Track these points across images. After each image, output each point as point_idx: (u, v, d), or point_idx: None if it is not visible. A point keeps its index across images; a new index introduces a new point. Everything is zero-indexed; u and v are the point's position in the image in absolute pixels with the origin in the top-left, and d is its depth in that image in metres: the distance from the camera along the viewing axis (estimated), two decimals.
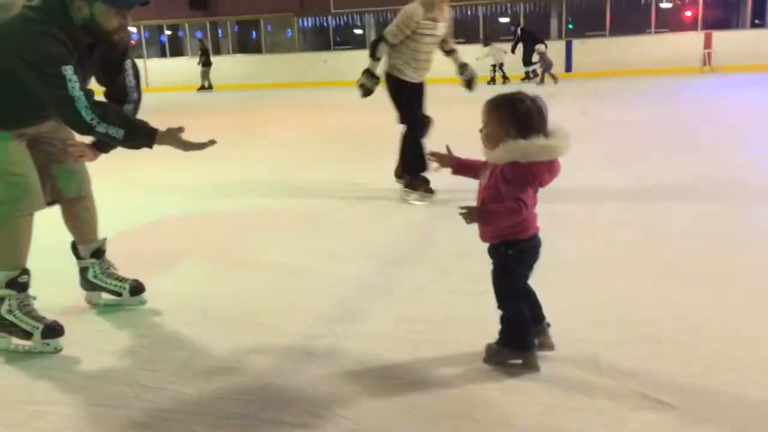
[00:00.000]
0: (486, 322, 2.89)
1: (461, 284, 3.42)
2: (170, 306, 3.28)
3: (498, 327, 2.53)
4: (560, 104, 12.60)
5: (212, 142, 2.72)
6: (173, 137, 2.72)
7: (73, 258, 3.29)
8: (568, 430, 2.10)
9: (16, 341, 2.83)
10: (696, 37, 19.99)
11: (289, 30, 24.46)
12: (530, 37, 18.37)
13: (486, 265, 3.69)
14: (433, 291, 3.36)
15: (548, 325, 2.59)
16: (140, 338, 2.96)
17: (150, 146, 2.73)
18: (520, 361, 2.46)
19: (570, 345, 2.63)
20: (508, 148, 2.26)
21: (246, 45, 24.98)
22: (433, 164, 2.73)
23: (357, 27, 22.89)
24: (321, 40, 24.29)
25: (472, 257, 3.78)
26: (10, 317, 2.78)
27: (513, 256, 2.42)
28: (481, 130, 2.38)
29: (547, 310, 2.64)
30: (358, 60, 20.46)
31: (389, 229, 4.59)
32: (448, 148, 2.66)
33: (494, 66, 18.61)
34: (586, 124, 9.47)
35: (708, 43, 19.64)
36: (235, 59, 22.71)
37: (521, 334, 2.48)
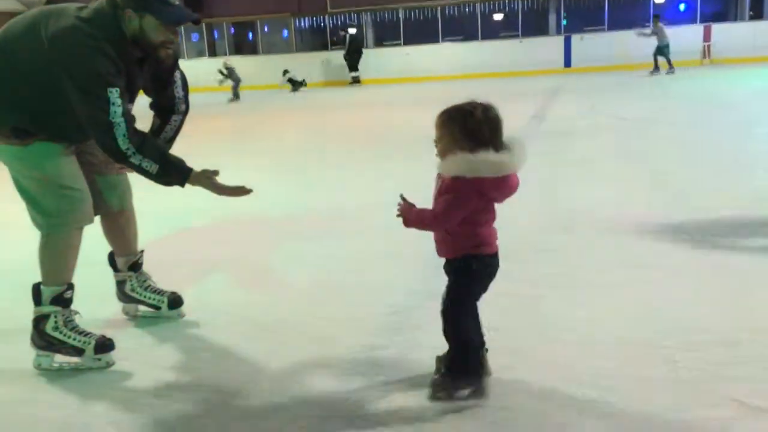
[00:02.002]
0: (548, 328, 2.86)
1: (512, 288, 3.33)
2: (209, 317, 3.21)
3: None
4: (566, 100, 12.57)
5: (249, 191, 2.65)
6: (208, 179, 2.65)
7: (110, 269, 3.22)
8: None
9: (61, 359, 2.74)
10: (695, 30, 19.97)
11: (285, 30, 24.32)
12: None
13: (534, 267, 3.67)
14: (486, 296, 3.27)
15: (486, 350, 2.45)
16: (189, 353, 2.90)
17: (182, 185, 2.66)
18: (469, 390, 2.34)
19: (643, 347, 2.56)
20: (455, 161, 2.15)
21: (242, 46, 24.83)
22: None
23: (354, 26, 22.74)
24: (318, 41, 24.17)
25: (514, 259, 3.74)
26: (56, 334, 2.70)
27: (475, 271, 2.30)
28: (435, 143, 2.27)
29: (610, 314, 2.59)
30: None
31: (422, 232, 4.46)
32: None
33: None
34: (604, 120, 9.42)
35: (707, 36, 19.63)
36: (232, 61, 22.48)
37: (471, 358, 2.35)
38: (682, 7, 22.25)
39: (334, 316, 3.15)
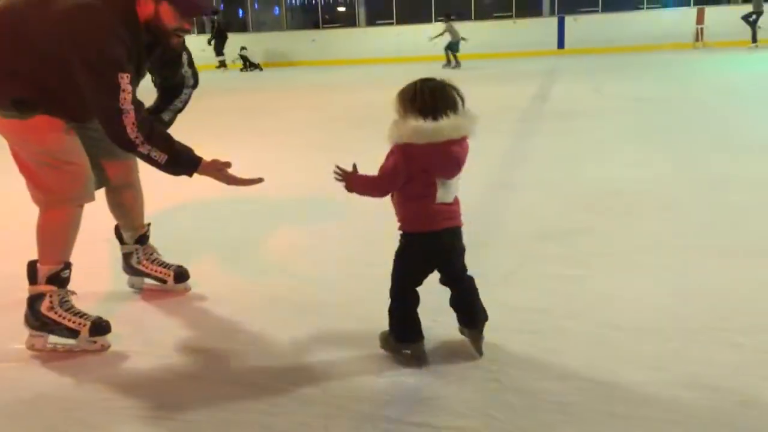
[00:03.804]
0: (597, 310, 2.78)
1: (551, 268, 3.28)
2: (216, 290, 3.17)
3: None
4: (565, 81, 12.48)
5: (260, 180, 2.60)
6: (218, 170, 2.59)
7: (116, 242, 3.17)
8: None
9: (55, 340, 2.64)
10: (689, 13, 19.94)
11: (276, 7, 23.94)
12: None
13: (573, 248, 3.59)
14: (526, 276, 3.20)
15: (477, 329, 2.45)
16: (193, 329, 2.84)
17: (190, 175, 2.59)
18: (408, 351, 2.39)
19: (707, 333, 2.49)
20: (390, 129, 2.22)
21: (233, 23, 24.41)
22: None
23: (347, 5, 22.46)
24: (309, 19, 23.83)
25: (551, 240, 3.68)
26: (51, 315, 2.59)
27: (404, 247, 2.36)
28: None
29: (659, 296, 2.48)
30: (346, 38, 20.10)
31: None
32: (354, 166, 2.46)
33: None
34: (612, 101, 9.33)
35: (700, 19, 19.59)
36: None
37: (401, 324, 2.39)
38: None
39: (366, 295, 3.03)
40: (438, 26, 17.30)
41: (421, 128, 2.14)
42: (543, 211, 4.24)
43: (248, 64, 19.83)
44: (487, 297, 2.93)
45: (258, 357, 2.55)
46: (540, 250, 3.52)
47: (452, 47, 16.70)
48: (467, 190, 4.81)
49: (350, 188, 2.34)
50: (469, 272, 3.27)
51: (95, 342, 2.60)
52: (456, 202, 2.40)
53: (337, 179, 2.35)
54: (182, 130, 3.02)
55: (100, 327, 2.60)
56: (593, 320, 2.68)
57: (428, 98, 2.17)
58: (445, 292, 2.51)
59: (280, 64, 21.30)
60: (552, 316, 2.75)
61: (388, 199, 2.41)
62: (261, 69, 19.88)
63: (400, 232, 2.37)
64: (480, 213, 4.33)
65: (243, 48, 19.95)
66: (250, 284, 3.30)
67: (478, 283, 3.10)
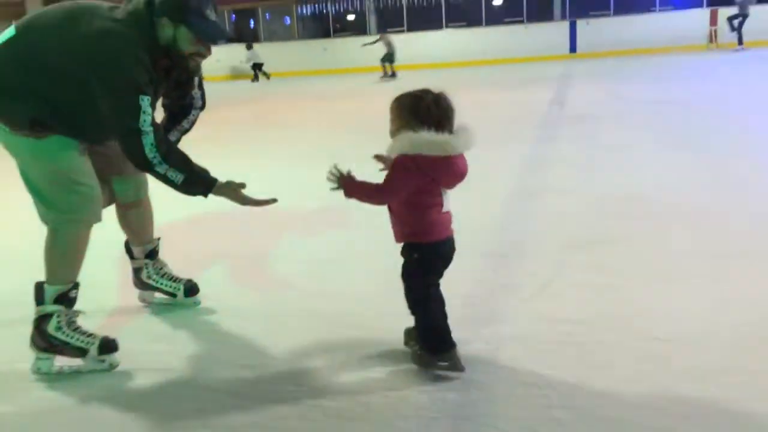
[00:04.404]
0: (636, 321, 2.73)
1: (586, 278, 3.24)
2: (225, 305, 3.17)
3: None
4: (580, 85, 12.41)
5: (273, 200, 2.62)
6: (233, 191, 2.62)
7: (126, 257, 3.19)
8: None
9: (62, 361, 2.62)
10: (702, 14, 19.80)
11: (287, 18, 24.03)
12: None
13: (604, 256, 3.54)
14: (561, 287, 3.15)
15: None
16: (204, 343, 2.84)
17: (205, 195, 2.62)
18: (444, 363, 2.38)
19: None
20: (399, 140, 2.25)
21: (244, 34, 24.54)
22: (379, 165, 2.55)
23: (357, 13, 22.50)
24: (320, 28, 23.89)
25: (580, 247, 3.63)
26: (59, 335, 2.58)
27: (417, 260, 2.35)
28: (390, 128, 2.34)
29: (699, 305, 2.42)
30: (358, 46, 20.05)
31: (478, 222, 4.24)
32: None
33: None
34: (627, 105, 9.26)
35: (714, 20, 19.44)
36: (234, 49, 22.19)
37: (436, 337, 2.38)
38: None
39: (394, 309, 2.98)
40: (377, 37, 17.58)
41: (436, 140, 2.19)
42: (571, 219, 4.19)
43: (258, 71, 19.97)
44: (524, 309, 2.92)
45: (282, 372, 2.52)
46: (572, 260, 3.47)
47: (388, 58, 17.15)
48: (491, 199, 4.86)
49: (349, 194, 2.34)
50: (503, 283, 3.27)
51: (104, 361, 2.59)
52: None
53: (330, 180, 2.34)
54: (196, 140, 3.06)
55: (109, 345, 2.60)
56: (635, 332, 2.64)
57: (435, 111, 2.24)
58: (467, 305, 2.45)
59: (293, 73, 21.34)
60: (593, 328, 2.70)
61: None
62: (268, 77, 19.98)
63: (408, 244, 2.36)
64: (506, 222, 4.30)
65: (250, 46, 20.23)
66: (262, 298, 3.29)
67: (511, 295, 3.09)
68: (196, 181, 2.57)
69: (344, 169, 2.36)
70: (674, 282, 3.12)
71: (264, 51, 20.81)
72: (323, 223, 4.44)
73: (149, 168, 2.50)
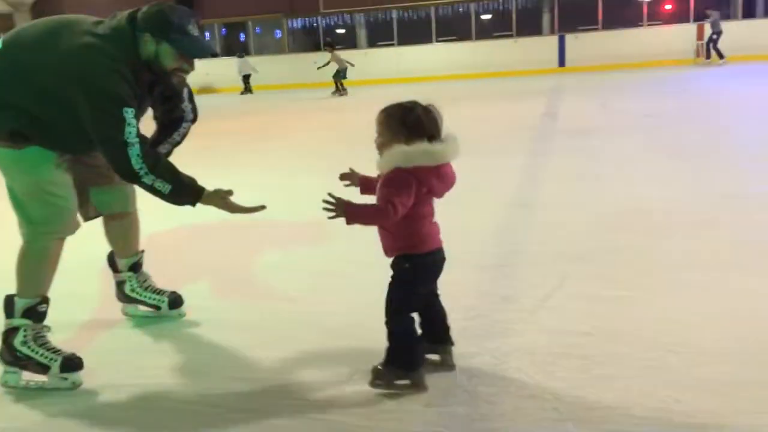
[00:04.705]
0: (644, 332, 2.70)
1: (590, 289, 3.21)
2: (211, 317, 3.14)
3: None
4: (572, 98, 12.47)
5: (262, 207, 2.59)
6: (221, 199, 2.61)
7: (108, 270, 3.17)
8: None
9: (28, 376, 2.59)
10: (688, 29, 20.01)
11: (278, 31, 24.06)
12: None
13: (608, 268, 3.52)
14: (563, 298, 3.13)
15: (452, 344, 2.49)
16: (188, 356, 2.82)
17: (193, 205, 2.62)
18: (407, 382, 2.32)
19: None
20: (392, 154, 2.21)
21: (234, 47, 24.54)
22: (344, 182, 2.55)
23: (347, 27, 22.58)
24: (310, 41, 23.94)
25: (585, 259, 3.61)
26: (24, 349, 2.55)
27: (409, 270, 2.30)
28: (376, 140, 2.30)
29: (707, 318, 2.40)
30: (347, 60, 20.10)
31: (477, 234, 4.23)
32: (351, 170, 2.54)
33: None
34: (618, 119, 9.29)
35: (701, 35, 19.66)
36: (224, 62, 22.19)
37: (408, 352, 2.34)
38: (668, 6, 22.32)
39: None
40: (326, 55, 17.38)
41: (431, 150, 2.18)
42: (569, 230, 4.17)
43: (247, 84, 20.01)
44: (526, 321, 2.89)
45: (276, 385, 2.49)
46: (573, 271, 3.45)
47: (339, 75, 17.11)
48: (488, 211, 4.84)
49: (351, 220, 2.22)
50: (504, 294, 3.24)
51: (66, 379, 2.54)
52: None
53: (327, 209, 2.19)
54: (188, 153, 3.06)
55: (72, 363, 2.55)
56: (642, 343, 2.61)
57: (426, 121, 2.21)
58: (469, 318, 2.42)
59: (283, 86, 21.33)
60: (598, 339, 2.68)
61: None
62: (250, 91, 20.01)
63: (401, 255, 2.31)
64: (504, 234, 4.28)
65: (241, 54, 20.39)
66: (252, 309, 3.26)
67: (514, 307, 3.06)
68: (183, 191, 2.56)
69: (340, 195, 2.24)
70: (678, 293, 3.10)
71: (254, 64, 20.82)
72: (316, 234, 4.37)
73: (136, 179, 2.50)
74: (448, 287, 3.27)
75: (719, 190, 4.96)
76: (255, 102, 17.59)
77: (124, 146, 2.42)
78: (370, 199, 2.34)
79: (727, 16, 21.17)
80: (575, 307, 3.01)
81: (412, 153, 2.17)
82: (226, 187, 2.64)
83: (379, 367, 2.37)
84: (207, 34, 24.03)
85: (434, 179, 2.22)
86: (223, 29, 24.40)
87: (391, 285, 2.34)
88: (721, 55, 18.23)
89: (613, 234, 4.04)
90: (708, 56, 18.55)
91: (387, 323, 2.34)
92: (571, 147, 7.17)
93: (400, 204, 2.17)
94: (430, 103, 2.28)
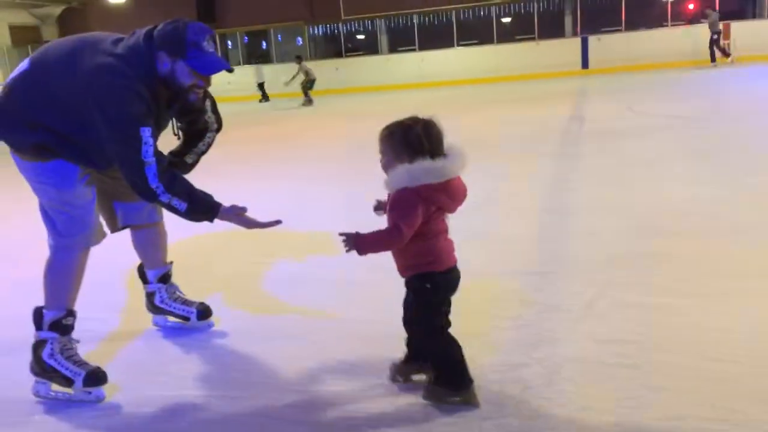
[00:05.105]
0: (693, 342, 2.66)
1: (634, 296, 3.17)
2: (242, 327, 3.16)
3: None
4: (597, 100, 12.38)
5: (278, 222, 2.61)
6: (236, 216, 2.64)
7: (139, 281, 3.22)
8: None
9: (57, 388, 2.64)
10: None
11: (299, 38, 24.20)
12: None
13: (648, 274, 3.48)
14: (607, 306, 3.09)
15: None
16: (216, 368, 2.81)
17: (211, 221, 2.65)
18: (458, 399, 2.29)
19: None
20: (396, 174, 2.18)
21: (256, 55, 24.72)
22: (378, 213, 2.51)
23: (368, 33, 22.65)
24: (332, 48, 24.04)
25: (623, 265, 3.57)
26: (51, 362, 2.61)
27: (430, 290, 2.27)
28: (381, 160, 2.28)
29: (759, 326, 2.35)
30: (369, 66, 20.22)
31: (516, 240, 4.21)
32: (378, 201, 2.49)
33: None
34: (646, 120, 9.19)
35: (726, 34, 19.43)
36: (245, 69, 22.36)
37: (453, 371, 2.30)
38: (691, 6, 22.09)
39: (454, 329, 2.94)
40: (294, 67, 18.04)
41: (434, 167, 2.15)
42: (608, 235, 4.13)
43: (264, 92, 20.18)
44: (572, 330, 2.86)
45: (306, 397, 2.48)
46: (615, 278, 3.41)
47: (308, 85, 17.86)
48: (523, 217, 4.81)
49: (363, 252, 2.21)
50: (548, 303, 3.21)
51: (90, 393, 2.59)
52: None
53: (345, 244, 2.21)
54: (208, 162, 3.08)
55: (95, 378, 2.59)
56: (693, 353, 2.57)
57: (426, 138, 2.18)
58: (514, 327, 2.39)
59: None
60: (646, 348, 2.64)
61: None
62: (268, 100, 20.19)
63: (418, 275, 2.26)
64: (541, 240, 4.24)
65: (258, 65, 20.87)
66: (279, 319, 3.27)
67: (559, 316, 3.03)
68: (200, 208, 2.60)
69: (351, 229, 2.24)
70: (724, 301, 3.05)
71: (276, 71, 20.98)
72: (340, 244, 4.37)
73: (154, 197, 2.54)
74: (491, 295, 3.30)
75: (758, 191, 4.88)
76: (275, 110, 17.66)
77: (141, 165, 2.47)
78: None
79: (753, 16, 20.94)
80: (621, 315, 2.98)
81: (416, 171, 2.14)
82: (247, 197, 2.68)
83: (429, 385, 2.36)
84: (229, 43, 24.28)
85: (443, 195, 2.18)
86: (246, 38, 24.57)
87: (414, 308, 2.30)
88: (726, 54, 18.01)
89: (651, 239, 3.99)
90: (713, 59, 18.18)
91: (424, 346, 2.32)
92: (601, 150, 7.11)
93: (406, 225, 2.15)
94: (430, 117, 2.25)
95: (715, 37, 18.20)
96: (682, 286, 3.24)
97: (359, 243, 2.20)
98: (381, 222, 2.30)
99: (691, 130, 8.07)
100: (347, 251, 2.22)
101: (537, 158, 6.87)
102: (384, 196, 2.39)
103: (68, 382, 2.58)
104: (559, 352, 2.66)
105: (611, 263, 3.63)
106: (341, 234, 2.21)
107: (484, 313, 3.09)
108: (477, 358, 2.64)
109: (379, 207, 2.48)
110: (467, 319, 3.03)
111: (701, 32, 19.20)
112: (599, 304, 3.12)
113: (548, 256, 3.91)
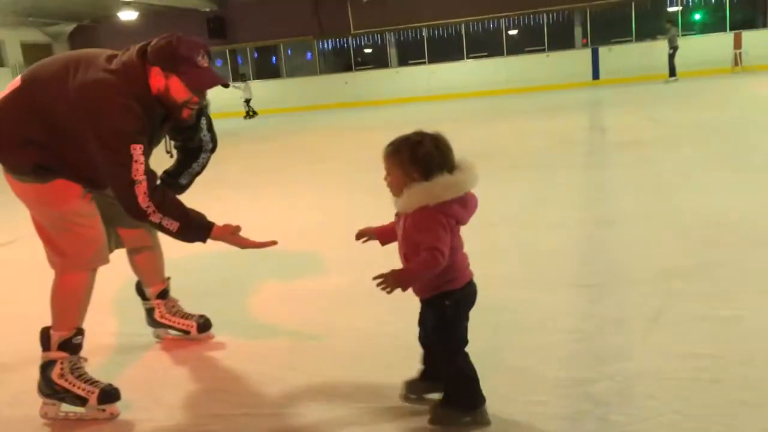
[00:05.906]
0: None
1: (698, 308, 3.06)
2: (243, 340, 3.14)
3: None
4: (614, 111, 12.29)
5: (273, 243, 2.55)
6: (230, 235, 2.57)
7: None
8: None
9: (66, 408, 2.58)
10: (725, 38, 19.71)
11: (309, 53, 24.23)
12: None
13: (711, 284, 3.35)
14: (675, 318, 2.97)
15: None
16: (218, 380, 2.78)
17: (203, 241, 2.59)
18: (468, 418, 2.22)
19: None
20: (413, 193, 2.07)
21: (266, 70, 24.75)
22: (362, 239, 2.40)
23: (378, 47, 22.64)
24: (341, 62, 24.05)
25: (681, 276, 3.44)
26: (62, 382, 2.56)
27: (451, 306, 2.18)
28: (385, 178, 2.18)
29: None
30: (379, 79, 20.24)
31: (564, 252, 4.07)
32: (362, 229, 2.39)
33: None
34: (667, 130, 9.08)
35: (738, 43, 19.37)
36: (256, 85, 22.40)
37: (470, 390, 2.22)
38: (696, 16, 22.06)
39: (513, 343, 2.82)
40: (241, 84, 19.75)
41: (456, 182, 2.08)
42: (658, 247, 4.01)
43: (249, 107, 20.31)
44: (639, 343, 2.74)
45: (313, 416, 2.41)
46: (675, 290, 3.29)
47: (249, 101, 20.05)
48: (563, 229, 4.68)
49: (407, 286, 2.10)
50: (608, 316, 3.08)
51: (104, 410, 2.54)
52: None
53: (383, 288, 2.06)
54: (211, 178, 3.12)
55: (109, 395, 2.55)
56: None
57: (437, 154, 2.09)
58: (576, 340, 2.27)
59: (315, 107, 21.44)
60: (725, 362, 2.52)
61: None
62: (257, 115, 20.50)
63: (439, 294, 2.17)
64: (588, 252, 4.13)
65: (243, 76, 21.88)
66: (280, 332, 3.23)
67: (622, 329, 2.91)
68: (191, 229, 2.53)
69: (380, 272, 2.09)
70: None
71: (286, 86, 21.02)
72: (342, 259, 4.26)
73: (144, 217, 2.47)
74: (545, 309, 3.18)
75: None
76: (285, 124, 17.63)
77: (131, 184, 2.41)
78: (392, 246, 2.27)
79: (763, 25, 20.89)
80: (688, 328, 2.86)
81: (435, 188, 2.05)
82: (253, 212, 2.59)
83: (437, 408, 2.26)
84: (239, 58, 24.32)
85: (459, 209, 2.11)
86: (255, 53, 24.62)
87: (434, 327, 2.21)
88: (672, 72, 17.90)
89: (706, 248, 3.87)
90: (672, 73, 17.98)
91: (446, 364, 2.23)
92: (627, 160, 6.98)
93: (444, 245, 2.05)
94: (436, 131, 2.15)
95: (671, 52, 18.04)
96: (751, 297, 3.12)
97: (401, 279, 2.06)
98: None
99: (715, 139, 7.93)
100: (389, 292, 2.06)
101: (565, 170, 6.76)
102: (375, 221, 2.31)
103: (82, 401, 2.54)
104: (629, 366, 2.54)
105: (669, 275, 3.50)
106: (375, 278, 2.06)
107: (539, 328, 2.97)
108: (540, 371, 2.55)
109: (363, 234, 2.36)
110: (520, 333, 2.95)
111: (713, 41, 19.17)
112: (665, 316, 3.00)
113: (601, 268, 3.79)
